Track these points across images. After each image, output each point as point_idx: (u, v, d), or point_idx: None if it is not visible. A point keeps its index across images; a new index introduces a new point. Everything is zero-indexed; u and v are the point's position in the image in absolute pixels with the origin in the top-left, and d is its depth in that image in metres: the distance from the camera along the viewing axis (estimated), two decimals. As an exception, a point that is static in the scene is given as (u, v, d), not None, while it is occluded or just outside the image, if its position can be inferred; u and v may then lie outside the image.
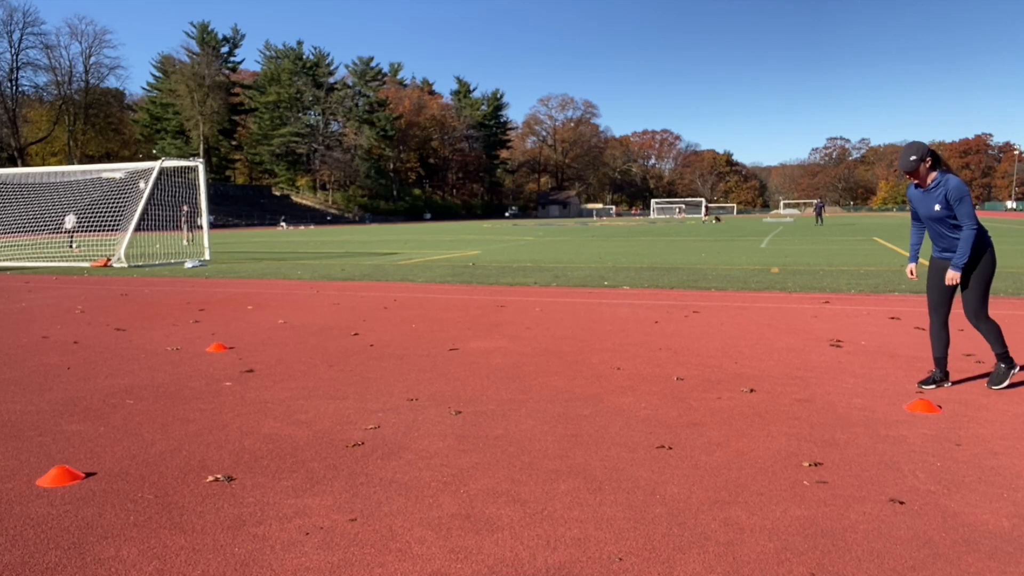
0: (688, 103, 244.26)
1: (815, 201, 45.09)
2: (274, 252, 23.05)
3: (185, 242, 27.65)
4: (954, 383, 4.93)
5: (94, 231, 23.18)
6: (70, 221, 23.44)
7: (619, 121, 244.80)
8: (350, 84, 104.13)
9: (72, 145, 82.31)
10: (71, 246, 24.16)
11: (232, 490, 3.24)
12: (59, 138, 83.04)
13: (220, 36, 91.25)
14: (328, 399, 4.78)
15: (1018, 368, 4.80)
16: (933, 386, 4.77)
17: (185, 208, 28.29)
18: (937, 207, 4.58)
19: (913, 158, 4.53)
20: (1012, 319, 7.52)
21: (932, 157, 4.57)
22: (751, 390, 4.86)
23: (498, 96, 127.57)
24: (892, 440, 3.80)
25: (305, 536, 2.78)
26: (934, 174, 4.61)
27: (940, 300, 4.81)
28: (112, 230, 22.23)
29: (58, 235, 23.33)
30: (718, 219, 70.94)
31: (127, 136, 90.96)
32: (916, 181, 4.65)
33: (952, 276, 4.60)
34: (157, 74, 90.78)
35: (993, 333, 4.64)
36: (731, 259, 16.65)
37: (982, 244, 4.62)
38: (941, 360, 4.81)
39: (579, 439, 3.90)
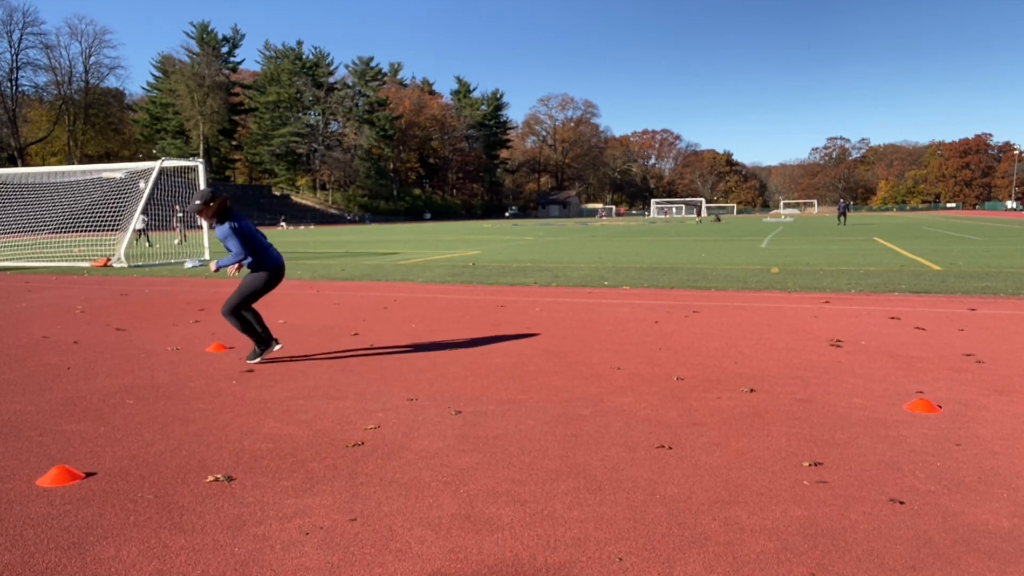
0: (688, 103, 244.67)
1: (840, 202, 45.32)
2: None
3: (176, 241, 27.69)
4: (953, 383, 4.94)
5: (94, 231, 23.18)
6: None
7: (619, 121, 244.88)
8: (350, 84, 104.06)
9: (72, 145, 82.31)
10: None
11: (232, 490, 3.24)
12: (59, 138, 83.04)
13: (220, 36, 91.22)
14: (328, 399, 4.78)
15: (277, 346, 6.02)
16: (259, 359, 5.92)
17: (177, 208, 28.31)
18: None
19: (198, 203, 5.56)
20: (1012, 319, 7.52)
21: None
22: (751, 390, 4.86)
23: (498, 96, 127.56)
24: (892, 440, 3.80)
25: (305, 536, 2.78)
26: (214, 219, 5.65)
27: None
28: (112, 230, 22.24)
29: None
30: (718, 219, 70.99)
31: (127, 136, 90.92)
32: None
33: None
34: (157, 74, 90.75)
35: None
36: (731, 259, 16.66)
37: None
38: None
39: (579, 439, 3.90)
